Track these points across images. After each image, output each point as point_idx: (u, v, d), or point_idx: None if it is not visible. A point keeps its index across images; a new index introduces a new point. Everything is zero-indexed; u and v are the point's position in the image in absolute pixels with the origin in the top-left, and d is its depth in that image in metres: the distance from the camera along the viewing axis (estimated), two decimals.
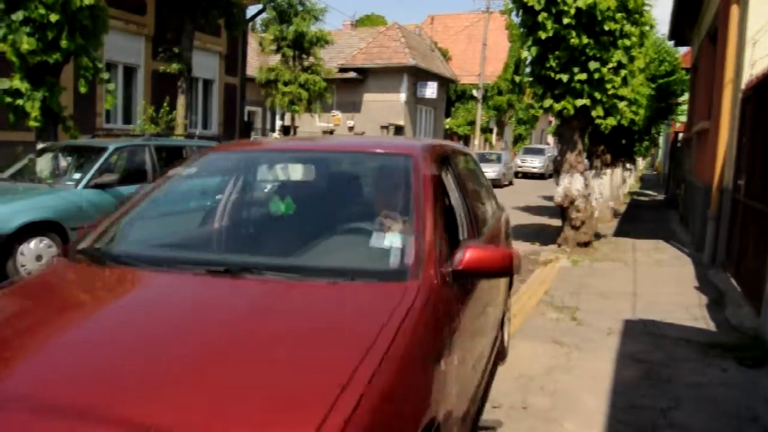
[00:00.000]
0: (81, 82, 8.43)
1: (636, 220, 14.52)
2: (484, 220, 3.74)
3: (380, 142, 3.64)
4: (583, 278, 7.69)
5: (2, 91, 8.02)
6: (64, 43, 7.82)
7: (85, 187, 7.00)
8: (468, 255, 2.34)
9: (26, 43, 7.66)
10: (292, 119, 23.35)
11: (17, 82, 8.02)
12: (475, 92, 35.01)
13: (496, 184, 24.34)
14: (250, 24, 19.81)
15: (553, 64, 8.84)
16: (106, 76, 8.84)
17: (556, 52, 8.77)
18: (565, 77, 8.84)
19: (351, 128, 28.75)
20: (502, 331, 4.31)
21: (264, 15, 21.75)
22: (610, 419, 3.70)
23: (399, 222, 2.47)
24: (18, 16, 7.63)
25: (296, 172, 3.52)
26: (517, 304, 6.21)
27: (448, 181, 3.00)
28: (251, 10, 19.64)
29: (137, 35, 14.25)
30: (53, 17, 7.65)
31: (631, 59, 9.07)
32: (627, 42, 8.79)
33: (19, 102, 8.05)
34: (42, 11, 7.60)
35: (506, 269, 2.36)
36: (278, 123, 27.82)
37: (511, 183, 26.90)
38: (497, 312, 3.86)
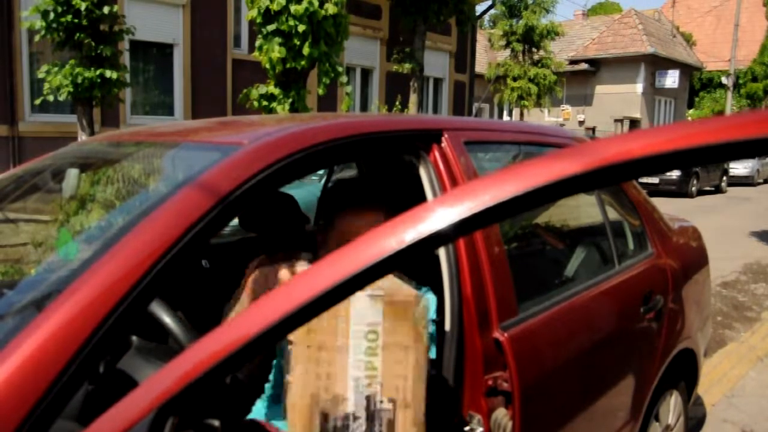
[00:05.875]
0: (321, 86, 9.20)
1: None
2: None
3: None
4: None
5: (259, 96, 9.02)
6: (306, 50, 8.55)
7: None
8: None
9: (277, 52, 8.53)
10: (521, 115, 23.07)
11: (272, 88, 8.98)
12: (724, 79, 31.57)
13: (749, 182, 21.76)
14: (478, 21, 19.93)
15: None
16: (344, 79, 9.51)
17: None
18: None
19: (581, 122, 27.62)
20: None
21: (492, 11, 21.74)
22: None
23: None
24: (271, 27, 8.53)
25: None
26: None
27: None
28: (480, 8, 19.76)
29: (373, 39, 15.10)
30: (300, 28, 8.40)
31: None
32: None
33: (273, 105, 8.98)
34: (291, 23, 8.40)
35: None
36: (506, 118, 27.66)
37: (766, 181, 23.92)
38: None
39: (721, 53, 32.85)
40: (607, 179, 0.57)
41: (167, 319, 1.55)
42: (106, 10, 7.66)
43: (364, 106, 15.41)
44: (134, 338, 1.75)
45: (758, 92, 33.13)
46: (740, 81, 32.57)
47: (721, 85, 32.27)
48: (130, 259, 1.05)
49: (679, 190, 16.81)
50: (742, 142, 0.49)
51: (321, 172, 4.06)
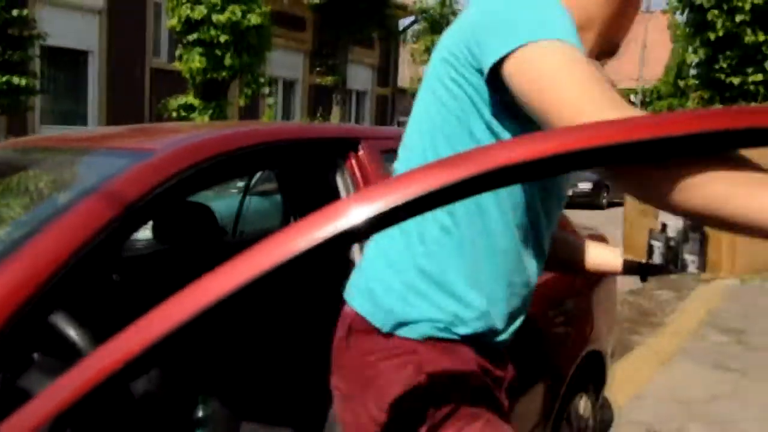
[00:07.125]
0: (242, 97, 9.12)
1: None
2: None
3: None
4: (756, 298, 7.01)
5: (177, 106, 8.84)
6: (228, 60, 8.46)
7: None
8: None
9: (198, 62, 8.39)
10: None
11: (191, 98, 8.81)
12: (632, 97, 33.26)
13: None
14: (401, 36, 20.23)
15: (724, 66, 8.23)
16: (266, 90, 9.46)
17: (728, 53, 8.14)
18: (737, 80, 8.18)
19: None
20: None
21: (415, 26, 22.12)
22: None
23: None
24: (192, 37, 8.40)
25: None
26: (675, 324, 5.80)
27: None
28: (403, 23, 20.06)
29: (297, 51, 15.06)
30: (223, 38, 8.31)
31: None
32: None
33: (193, 116, 8.81)
34: (213, 32, 8.29)
35: None
36: None
37: None
38: None
39: (630, 71, 34.57)
40: (496, 182, 0.60)
41: (73, 334, 1.50)
42: (15, 13, 7.34)
43: (287, 119, 15.32)
44: (36, 355, 1.68)
45: (664, 109, 35.05)
46: (647, 99, 34.40)
47: (631, 103, 33.94)
48: (24, 271, 1.01)
49: (591, 202, 17.52)
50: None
51: (240, 184, 4.01)
